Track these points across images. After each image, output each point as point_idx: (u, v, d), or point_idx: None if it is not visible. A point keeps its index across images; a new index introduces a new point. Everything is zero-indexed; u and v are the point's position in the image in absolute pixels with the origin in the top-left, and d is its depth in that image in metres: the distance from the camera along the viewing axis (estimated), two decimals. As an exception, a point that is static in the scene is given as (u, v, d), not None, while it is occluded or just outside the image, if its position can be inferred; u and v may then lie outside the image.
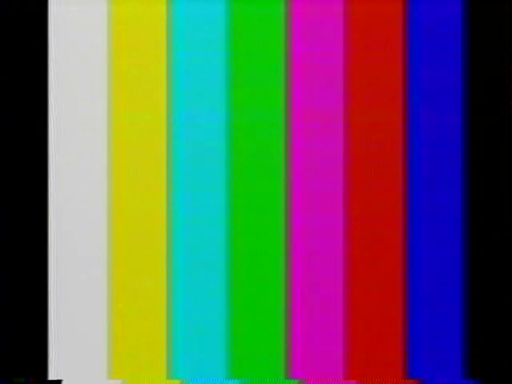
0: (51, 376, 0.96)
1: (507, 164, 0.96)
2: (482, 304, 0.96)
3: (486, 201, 0.96)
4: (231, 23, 0.97)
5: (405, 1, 0.97)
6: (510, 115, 0.96)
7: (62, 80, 0.97)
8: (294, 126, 0.97)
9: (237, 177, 0.97)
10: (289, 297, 0.97)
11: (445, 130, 0.97)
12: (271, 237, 0.96)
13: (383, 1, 0.97)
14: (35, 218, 0.96)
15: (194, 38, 0.97)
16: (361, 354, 0.97)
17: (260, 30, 0.97)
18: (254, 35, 0.97)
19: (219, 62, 0.97)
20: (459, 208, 0.96)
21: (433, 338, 0.96)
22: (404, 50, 0.97)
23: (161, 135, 0.97)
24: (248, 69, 0.97)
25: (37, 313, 0.96)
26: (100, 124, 0.97)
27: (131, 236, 0.96)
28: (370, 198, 0.96)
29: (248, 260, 0.96)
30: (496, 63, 0.97)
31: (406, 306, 0.96)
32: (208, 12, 0.97)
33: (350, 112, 0.97)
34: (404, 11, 0.97)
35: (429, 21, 0.97)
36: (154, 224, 0.96)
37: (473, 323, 0.96)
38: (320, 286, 0.96)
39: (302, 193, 0.97)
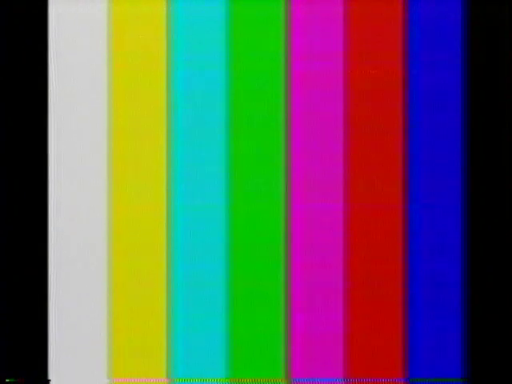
0: (51, 376, 0.96)
1: (508, 166, 0.96)
2: (483, 305, 0.96)
3: (486, 206, 0.96)
4: (231, 23, 0.97)
5: (405, 1, 0.97)
6: (511, 116, 0.96)
7: (62, 80, 0.97)
8: (294, 126, 0.97)
9: (236, 177, 0.97)
10: (289, 297, 0.97)
11: (445, 130, 0.97)
12: (271, 238, 0.96)
13: (383, 1, 0.97)
14: (35, 219, 0.96)
15: (194, 38, 0.97)
16: (361, 354, 0.97)
17: (260, 30, 0.97)
18: (254, 35, 0.97)
19: (219, 62, 0.97)
20: (459, 210, 0.96)
21: (433, 339, 0.96)
22: (404, 50, 0.97)
23: (161, 135, 0.97)
24: (248, 68, 0.97)
25: (36, 312, 0.96)
26: (100, 123, 0.97)
27: (131, 236, 0.96)
28: (370, 197, 0.97)
29: (248, 260, 0.96)
30: (496, 63, 0.97)
31: (406, 306, 0.96)
32: (208, 12, 0.97)
33: (350, 112, 0.97)
34: (404, 11, 0.97)
35: (429, 21, 0.97)
36: (154, 225, 0.96)
37: (473, 324, 0.96)
38: (320, 286, 0.96)
39: (302, 193, 0.97)
